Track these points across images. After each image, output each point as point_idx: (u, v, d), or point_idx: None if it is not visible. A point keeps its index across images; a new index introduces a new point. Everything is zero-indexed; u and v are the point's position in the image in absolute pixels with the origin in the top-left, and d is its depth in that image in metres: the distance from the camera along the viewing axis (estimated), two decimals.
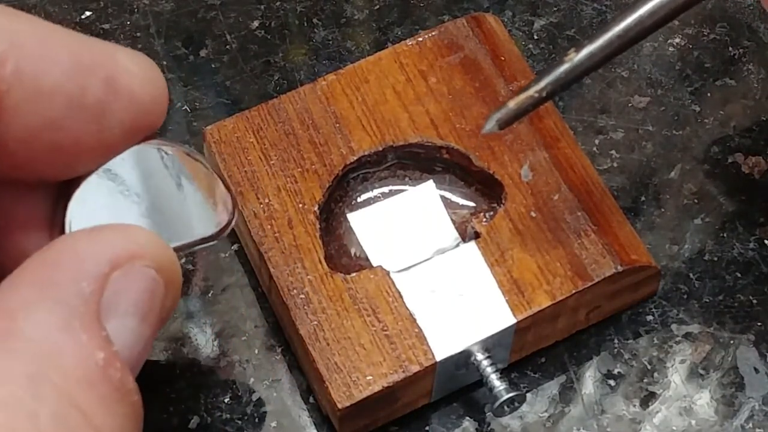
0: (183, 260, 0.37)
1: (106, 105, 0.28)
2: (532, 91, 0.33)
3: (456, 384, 0.35)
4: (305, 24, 0.43)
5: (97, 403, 0.25)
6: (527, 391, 0.36)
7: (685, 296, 0.38)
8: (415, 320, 0.34)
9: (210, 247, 0.31)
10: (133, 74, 0.29)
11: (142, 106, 0.29)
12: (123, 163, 0.29)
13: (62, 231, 0.29)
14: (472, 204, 0.38)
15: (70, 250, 0.27)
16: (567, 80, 0.33)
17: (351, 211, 0.37)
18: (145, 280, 0.27)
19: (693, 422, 0.36)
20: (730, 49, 0.42)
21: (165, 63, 0.42)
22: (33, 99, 0.27)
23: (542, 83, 0.33)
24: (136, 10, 0.43)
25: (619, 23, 0.33)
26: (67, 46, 0.28)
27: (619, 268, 0.35)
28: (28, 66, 0.27)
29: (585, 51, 0.33)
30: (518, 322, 0.34)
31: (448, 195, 0.38)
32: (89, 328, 0.26)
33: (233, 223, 0.31)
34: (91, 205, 0.29)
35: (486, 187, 0.37)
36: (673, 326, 0.37)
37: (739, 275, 0.38)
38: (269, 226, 0.36)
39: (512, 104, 0.33)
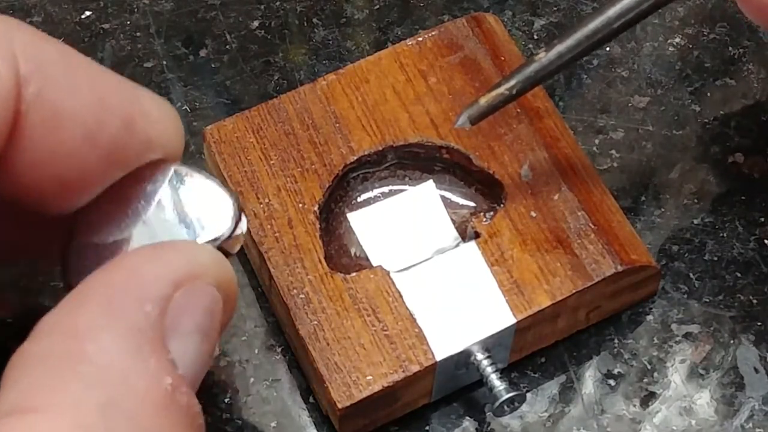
0: None
1: (120, 145, 0.28)
2: (502, 89, 0.34)
3: (456, 384, 0.35)
4: (305, 24, 0.43)
5: (168, 429, 0.25)
6: (527, 391, 0.36)
7: (685, 296, 0.38)
8: (415, 320, 0.34)
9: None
10: (153, 120, 0.29)
11: (157, 152, 0.29)
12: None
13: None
14: (472, 204, 0.38)
15: (135, 271, 0.26)
16: (536, 79, 0.34)
17: (351, 211, 0.37)
18: (207, 299, 0.27)
19: (693, 422, 0.36)
20: (730, 49, 0.42)
21: (165, 63, 0.42)
22: (49, 126, 0.27)
23: (512, 81, 0.34)
24: (136, 10, 0.43)
25: (587, 24, 0.34)
26: (93, 80, 0.28)
27: (619, 268, 0.35)
28: (50, 91, 0.27)
29: (554, 51, 0.34)
30: (518, 322, 0.34)
31: (448, 195, 0.38)
32: (156, 353, 0.25)
33: (236, 234, 0.30)
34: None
35: (486, 187, 0.37)
36: (673, 326, 0.37)
37: (739, 275, 0.38)
38: (269, 226, 0.36)
39: (483, 101, 0.35)
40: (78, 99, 0.27)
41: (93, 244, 0.29)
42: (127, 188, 0.29)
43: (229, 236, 0.30)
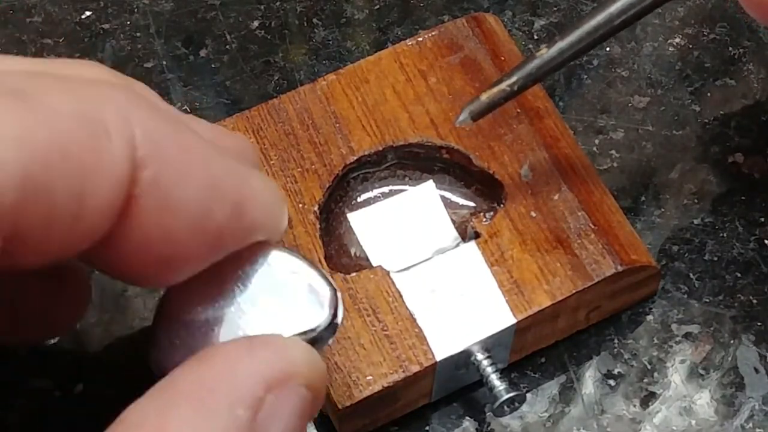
0: None
1: (226, 230, 0.27)
2: (504, 85, 0.34)
3: (456, 384, 0.35)
4: (305, 24, 0.43)
5: None
6: (527, 391, 0.36)
7: (685, 296, 0.38)
8: (415, 320, 0.34)
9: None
10: (261, 206, 0.28)
11: (261, 236, 0.28)
12: None
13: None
14: (472, 204, 0.38)
15: (228, 369, 0.26)
16: (538, 75, 0.34)
17: (351, 211, 0.37)
18: (298, 401, 0.27)
19: (693, 422, 0.36)
20: (730, 49, 0.42)
21: (165, 63, 0.42)
22: (160, 210, 0.26)
23: (514, 77, 0.34)
24: (136, 10, 0.43)
25: (589, 21, 0.34)
26: (206, 164, 0.27)
27: (619, 268, 0.35)
28: (165, 177, 0.26)
29: (555, 47, 0.34)
30: (518, 322, 0.34)
31: (448, 195, 0.38)
32: None
33: (334, 320, 0.29)
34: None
35: (486, 187, 0.37)
36: (673, 326, 0.37)
37: (739, 275, 0.38)
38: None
39: (484, 97, 0.35)
40: (192, 185, 0.26)
41: (185, 324, 0.29)
42: (225, 268, 0.28)
43: (327, 326, 0.29)
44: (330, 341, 0.29)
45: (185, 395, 0.26)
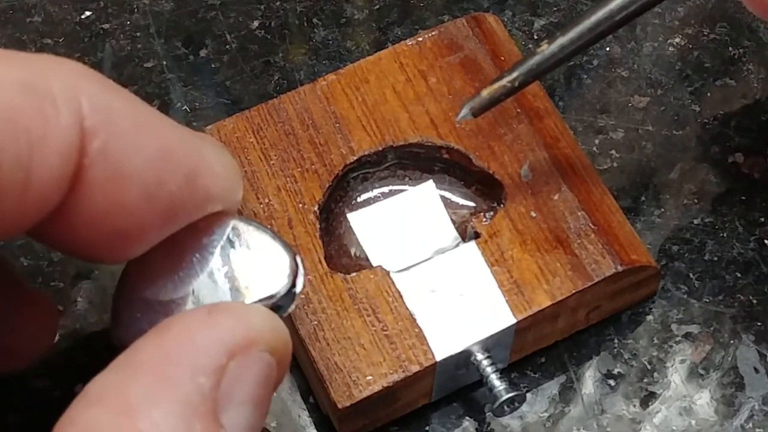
0: None
1: (181, 200, 0.27)
2: (504, 81, 0.34)
3: (456, 384, 0.35)
4: (305, 24, 0.43)
5: None
6: (527, 391, 0.36)
7: (685, 296, 0.38)
8: (415, 320, 0.34)
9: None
10: (214, 174, 0.28)
11: (216, 205, 0.28)
12: None
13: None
14: (472, 204, 0.38)
15: (188, 338, 0.26)
16: (539, 71, 0.34)
17: (351, 211, 0.37)
18: (261, 367, 0.27)
19: (693, 422, 0.36)
20: (730, 49, 0.42)
21: (165, 63, 0.42)
22: (111, 180, 0.26)
23: (515, 74, 0.34)
24: (136, 10, 0.43)
25: (590, 17, 0.34)
26: (157, 133, 0.27)
27: (619, 268, 0.35)
28: (115, 146, 0.26)
29: (556, 43, 0.34)
30: (518, 322, 0.34)
31: (448, 195, 0.38)
32: (209, 428, 0.25)
33: (292, 291, 0.29)
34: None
35: (486, 187, 0.37)
36: (673, 326, 0.37)
37: (739, 275, 0.38)
38: (269, 226, 0.36)
39: (485, 93, 0.35)
40: (143, 154, 0.26)
41: (145, 299, 0.29)
42: (182, 240, 0.28)
43: (286, 293, 0.29)
44: (290, 309, 0.29)
45: (146, 366, 0.25)
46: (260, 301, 0.29)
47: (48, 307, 0.33)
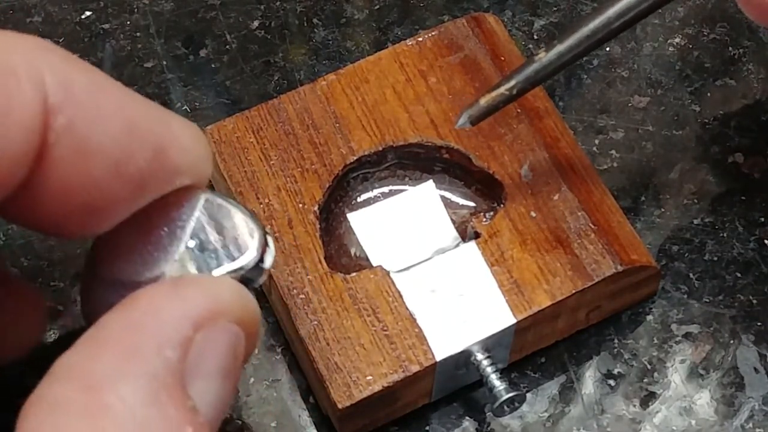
0: None
1: (149, 174, 0.27)
2: (502, 89, 0.34)
3: (456, 384, 0.35)
4: (305, 24, 0.43)
5: None
6: (527, 391, 0.36)
7: (685, 296, 0.38)
8: (415, 320, 0.34)
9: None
10: (183, 149, 0.28)
11: (186, 179, 0.28)
12: None
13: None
14: (472, 204, 0.38)
15: (153, 313, 0.26)
16: (536, 79, 0.34)
17: (351, 211, 0.37)
18: (229, 339, 0.26)
19: (693, 422, 0.36)
20: (730, 49, 0.42)
21: (165, 63, 0.42)
22: (77, 157, 0.26)
23: (512, 81, 0.34)
24: (136, 10, 0.43)
25: (587, 24, 0.34)
26: (123, 108, 0.26)
27: (619, 268, 0.35)
28: (80, 122, 0.26)
29: (554, 51, 0.34)
30: (518, 322, 0.34)
31: (448, 195, 0.38)
32: (176, 400, 0.25)
33: (261, 265, 0.29)
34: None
35: (486, 187, 0.37)
36: (673, 326, 0.37)
37: (739, 275, 0.38)
38: (269, 227, 0.36)
39: (483, 101, 0.35)
40: (108, 129, 0.26)
41: (113, 275, 0.28)
42: (151, 215, 0.28)
43: (254, 266, 0.29)
44: (258, 283, 0.29)
45: (112, 340, 0.25)
46: (228, 273, 0.28)
47: (34, 298, 0.33)
